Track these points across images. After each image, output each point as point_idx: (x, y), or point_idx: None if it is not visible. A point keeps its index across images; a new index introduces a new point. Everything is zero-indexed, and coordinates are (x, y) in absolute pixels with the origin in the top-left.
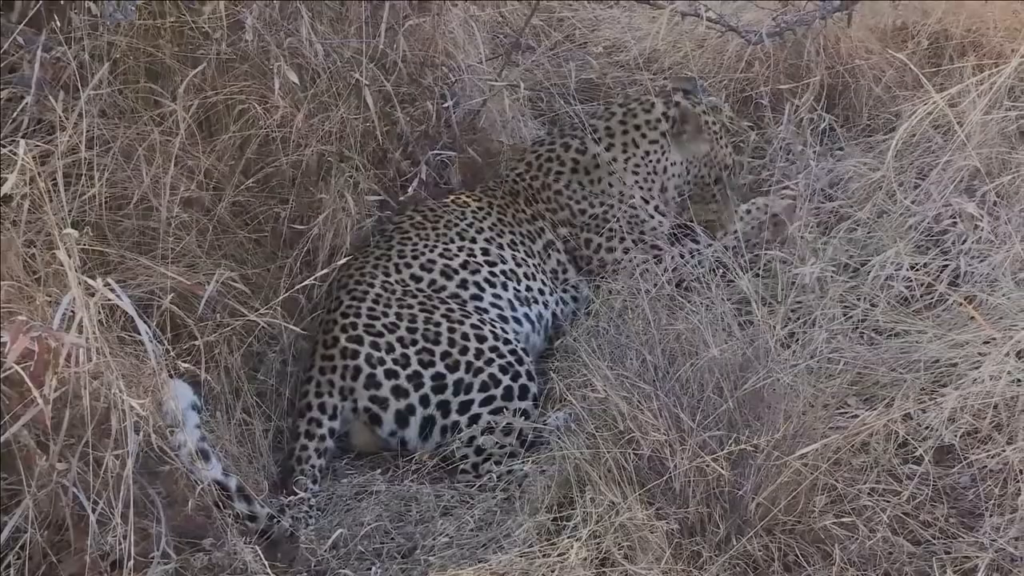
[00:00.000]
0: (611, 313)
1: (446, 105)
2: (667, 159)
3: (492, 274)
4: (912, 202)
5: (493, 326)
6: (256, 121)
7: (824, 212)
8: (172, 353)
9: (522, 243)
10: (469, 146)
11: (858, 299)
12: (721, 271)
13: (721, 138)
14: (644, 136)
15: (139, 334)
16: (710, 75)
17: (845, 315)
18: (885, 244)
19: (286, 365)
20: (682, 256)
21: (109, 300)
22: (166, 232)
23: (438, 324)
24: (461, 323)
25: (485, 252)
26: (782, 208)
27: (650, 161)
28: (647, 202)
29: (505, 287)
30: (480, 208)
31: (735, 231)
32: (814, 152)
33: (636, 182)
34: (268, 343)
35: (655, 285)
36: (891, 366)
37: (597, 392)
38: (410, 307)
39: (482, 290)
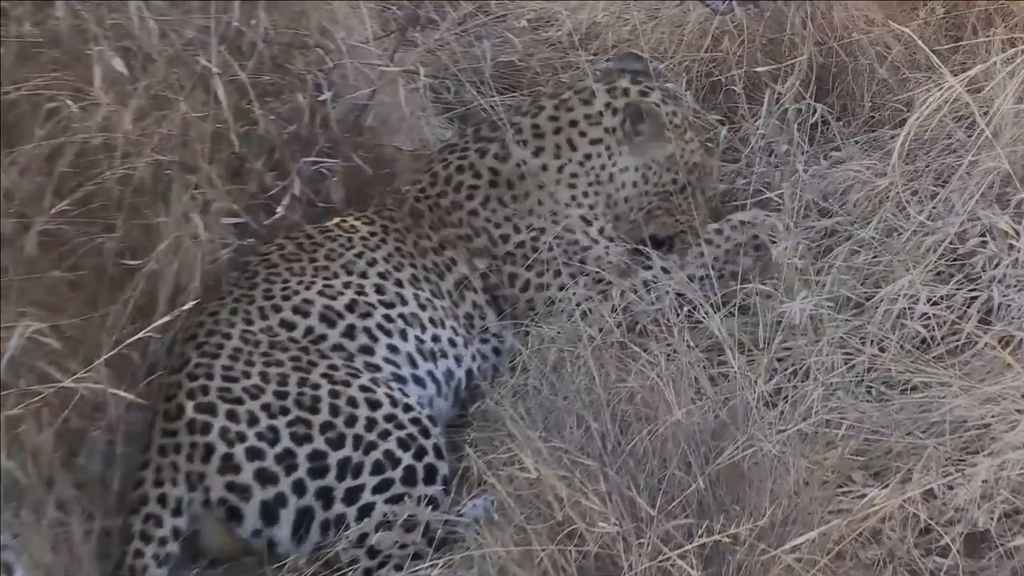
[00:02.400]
0: (544, 368)
1: (322, 98)
2: (615, 165)
3: (388, 319)
4: (928, 217)
5: (389, 388)
6: (71, 124)
7: (817, 231)
8: None
9: (427, 279)
10: (354, 152)
11: (863, 343)
12: (686, 309)
13: (686, 133)
14: (583, 135)
15: None
16: (667, 55)
17: (846, 364)
18: (896, 271)
19: (114, 446)
20: (635, 291)
21: None
22: None
23: (317, 386)
24: (347, 384)
25: (379, 291)
26: (764, 227)
27: (592, 168)
28: (589, 223)
29: (404, 336)
30: (372, 234)
31: (702, 257)
32: (803, 153)
33: (574, 197)
34: (90, 417)
35: (600, 330)
36: (906, 429)
37: (527, 472)
38: (279, 364)
39: (375, 340)
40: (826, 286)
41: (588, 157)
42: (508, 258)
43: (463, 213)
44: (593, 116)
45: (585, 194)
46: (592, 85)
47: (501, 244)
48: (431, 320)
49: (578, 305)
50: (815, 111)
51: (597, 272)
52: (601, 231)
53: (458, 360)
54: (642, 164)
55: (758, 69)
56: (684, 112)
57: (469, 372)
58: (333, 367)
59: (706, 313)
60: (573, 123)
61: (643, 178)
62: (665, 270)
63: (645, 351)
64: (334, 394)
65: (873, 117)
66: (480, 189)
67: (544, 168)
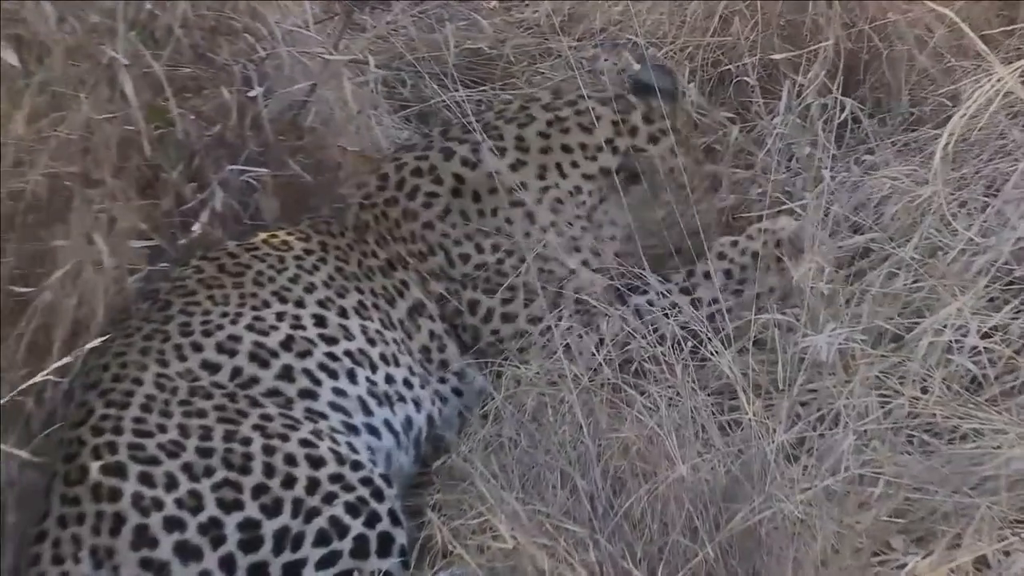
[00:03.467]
0: (521, 415)
1: (253, 94)
2: (604, 212)
3: (332, 357)
4: (979, 233)
5: (335, 441)
6: None
7: (847, 250)
8: None
9: (376, 307)
10: (291, 158)
11: (902, 383)
12: (691, 343)
13: (689, 187)
14: (575, 166)
15: None
16: (665, 40)
17: (883, 408)
18: (941, 298)
19: (3, 514)
20: (627, 320)
21: None
22: None
23: (247, 441)
24: (284, 438)
25: (319, 322)
26: (788, 233)
27: (581, 203)
28: (572, 251)
29: (353, 378)
30: (308, 252)
31: (710, 277)
32: (829, 157)
33: (555, 224)
34: None
35: (588, 369)
36: (955, 486)
37: (502, 540)
38: (202, 415)
39: (317, 383)
40: (858, 316)
41: (578, 190)
42: (468, 282)
43: (417, 225)
44: (590, 149)
45: (570, 223)
46: (598, 108)
47: (460, 265)
48: (383, 357)
49: (561, 337)
50: (843, 107)
51: (580, 301)
52: (585, 263)
53: (417, 404)
54: (627, 223)
55: (775, 56)
56: (691, 138)
57: (430, 419)
58: (267, 417)
59: (715, 348)
60: (567, 149)
61: (627, 236)
62: (665, 295)
63: (642, 394)
64: (268, 450)
65: (912, 114)
66: (440, 197)
67: (523, 185)
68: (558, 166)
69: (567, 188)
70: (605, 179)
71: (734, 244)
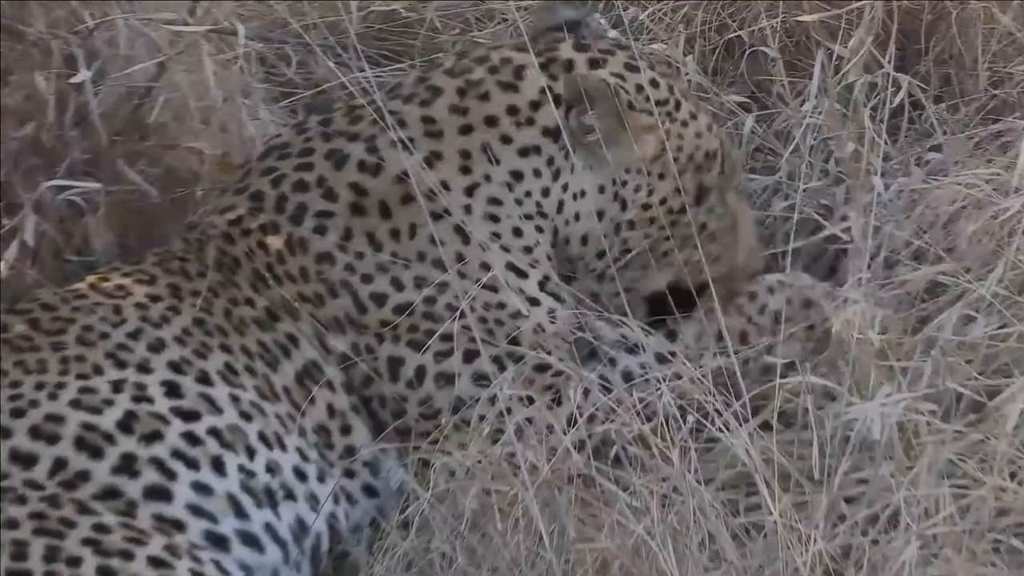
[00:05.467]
0: (455, 521)
1: (78, 80)
2: (564, 188)
3: (191, 440)
4: None
5: (197, 559)
6: None
7: (907, 287)
8: None
9: (250, 371)
10: (130, 166)
11: (983, 469)
12: (692, 419)
13: (679, 109)
14: (507, 140)
15: None
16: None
17: (958, 504)
18: None
19: None
20: (606, 385)
21: None
22: None
23: (76, 561)
24: (127, 556)
25: (172, 392)
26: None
27: (525, 192)
28: (522, 275)
29: (220, 467)
30: (154, 299)
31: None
32: (880, 157)
33: (497, 235)
34: None
35: (551, 454)
36: None
37: None
38: (13, 526)
39: (171, 477)
40: (922, 377)
41: (518, 176)
42: (386, 332)
43: (308, 259)
44: (522, 110)
45: (516, 231)
46: (515, 56)
47: (373, 309)
48: (263, 437)
49: (508, 412)
50: (898, 87)
51: (539, 354)
52: (542, 285)
53: (311, 502)
54: (606, 179)
55: (803, 18)
56: (671, 80)
57: (332, 526)
58: (102, 528)
59: (725, 424)
60: (491, 121)
61: (612, 201)
62: (661, 358)
63: (625, 490)
64: (105, 572)
65: (994, 96)
66: (336, 218)
67: (445, 187)
68: (485, 148)
69: (501, 178)
70: (554, 143)
71: (751, 297)
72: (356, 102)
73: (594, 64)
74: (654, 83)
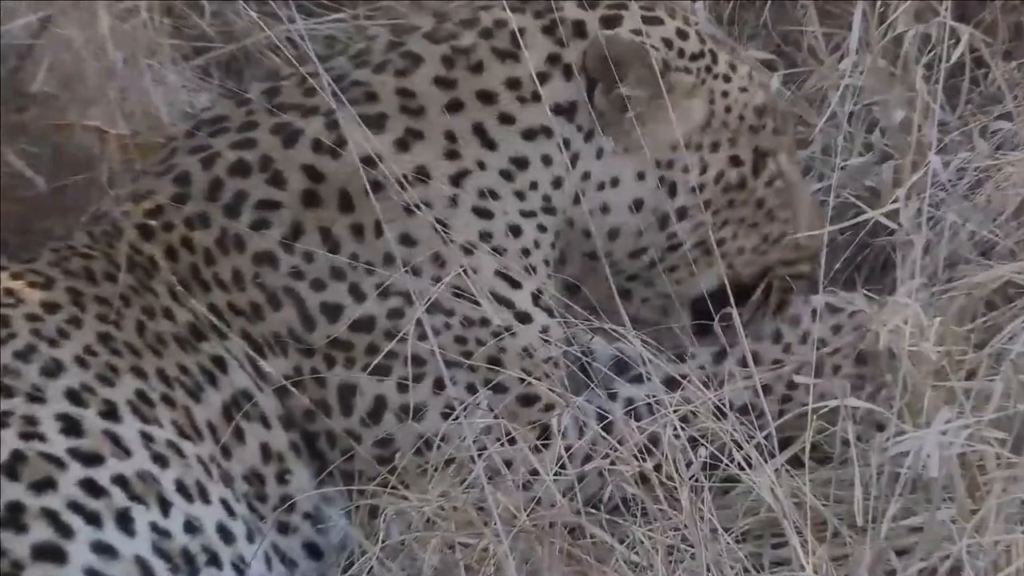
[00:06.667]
0: None
1: None
2: (585, 176)
3: (90, 489)
4: None
5: None
6: None
7: (972, 289)
8: None
9: (169, 402)
10: (8, 145)
11: None
12: (705, 451)
13: (716, 64)
14: (509, 120)
15: None
16: None
17: None
18: None
19: None
20: (604, 416)
21: None
22: None
23: None
24: None
25: (70, 428)
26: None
27: (532, 183)
28: (515, 285)
29: (126, 523)
30: (52, 308)
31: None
32: (937, 125)
33: (488, 235)
34: None
35: (530, 500)
36: None
37: None
38: None
39: (66, 534)
40: (990, 399)
41: (521, 163)
42: (338, 354)
43: (244, 260)
44: (525, 84)
45: (513, 229)
46: (513, 19)
47: (324, 324)
48: (181, 487)
49: (476, 446)
50: (958, 39)
51: (527, 382)
52: (535, 298)
53: (238, 567)
54: (646, 163)
55: None
56: (695, 26)
57: None
58: None
59: (746, 460)
60: (487, 97)
61: (655, 189)
62: (671, 383)
63: (623, 542)
64: None
65: None
66: (283, 210)
67: (421, 172)
68: (478, 131)
69: (500, 166)
70: (570, 123)
71: (794, 323)
72: (312, 69)
73: (608, 24)
74: (681, 34)
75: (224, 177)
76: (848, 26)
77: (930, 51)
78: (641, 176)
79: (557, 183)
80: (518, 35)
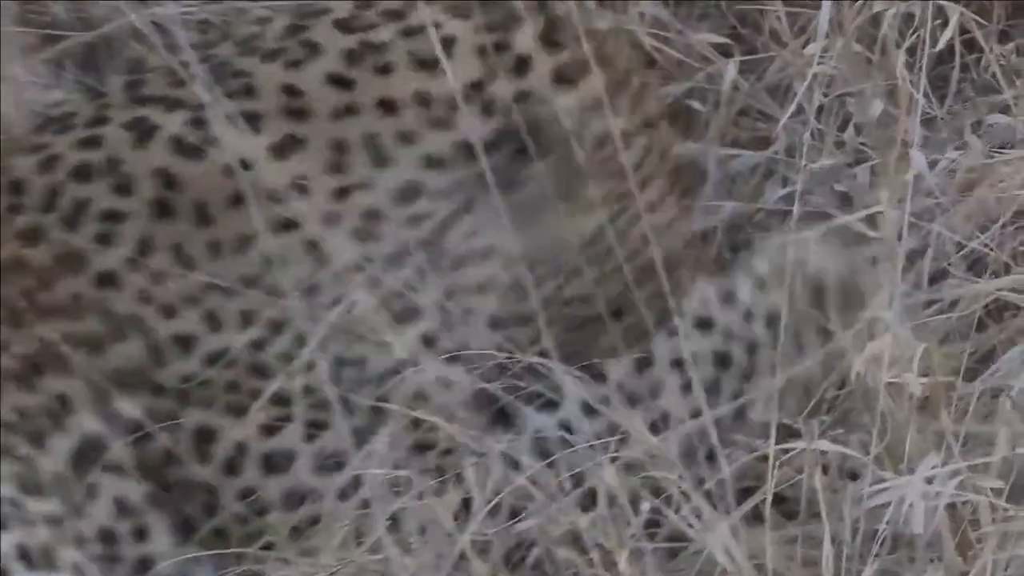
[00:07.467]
0: None
1: None
2: (467, 234)
3: None
4: None
5: None
6: None
7: (962, 309)
8: None
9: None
10: None
11: None
12: (647, 506)
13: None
14: (408, 141)
15: None
16: None
17: None
18: None
19: None
20: (515, 462)
21: None
22: None
23: None
24: None
25: None
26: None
27: (419, 218)
28: (401, 319)
29: None
30: None
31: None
32: (921, 119)
33: (367, 262)
34: None
35: (438, 559)
36: None
37: None
38: None
39: None
40: (984, 441)
41: (413, 192)
42: (194, 392)
43: (85, 282)
44: (437, 104)
45: (396, 260)
46: (447, 24)
47: (176, 358)
48: (23, 553)
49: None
50: (946, 20)
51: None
52: (429, 340)
53: None
54: (515, 252)
55: None
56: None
57: None
58: None
59: (696, 514)
60: (389, 107)
61: (513, 286)
62: (598, 408)
63: None
64: None
65: None
66: (129, 222)
67: (301, 186)
68: (372, 142)
69: (391, 186)
70: (467, 166)
71: (728, 299)
72: (184, 57)
73: (559, 79)
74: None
75: (64, 182)
76: (817, 5)
77: (913, 33)
78: (495, 258)
79: (440, 221)
80: (438, 46)
